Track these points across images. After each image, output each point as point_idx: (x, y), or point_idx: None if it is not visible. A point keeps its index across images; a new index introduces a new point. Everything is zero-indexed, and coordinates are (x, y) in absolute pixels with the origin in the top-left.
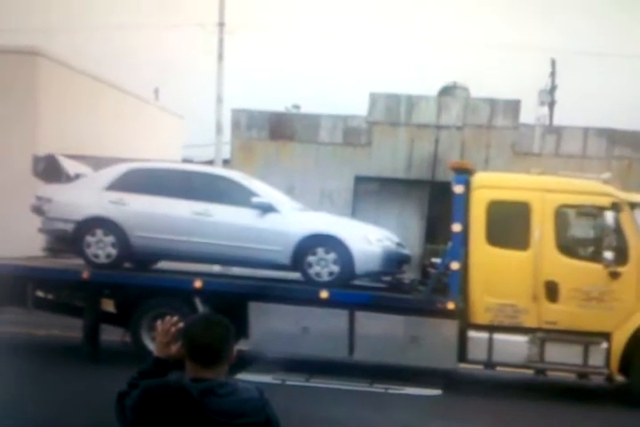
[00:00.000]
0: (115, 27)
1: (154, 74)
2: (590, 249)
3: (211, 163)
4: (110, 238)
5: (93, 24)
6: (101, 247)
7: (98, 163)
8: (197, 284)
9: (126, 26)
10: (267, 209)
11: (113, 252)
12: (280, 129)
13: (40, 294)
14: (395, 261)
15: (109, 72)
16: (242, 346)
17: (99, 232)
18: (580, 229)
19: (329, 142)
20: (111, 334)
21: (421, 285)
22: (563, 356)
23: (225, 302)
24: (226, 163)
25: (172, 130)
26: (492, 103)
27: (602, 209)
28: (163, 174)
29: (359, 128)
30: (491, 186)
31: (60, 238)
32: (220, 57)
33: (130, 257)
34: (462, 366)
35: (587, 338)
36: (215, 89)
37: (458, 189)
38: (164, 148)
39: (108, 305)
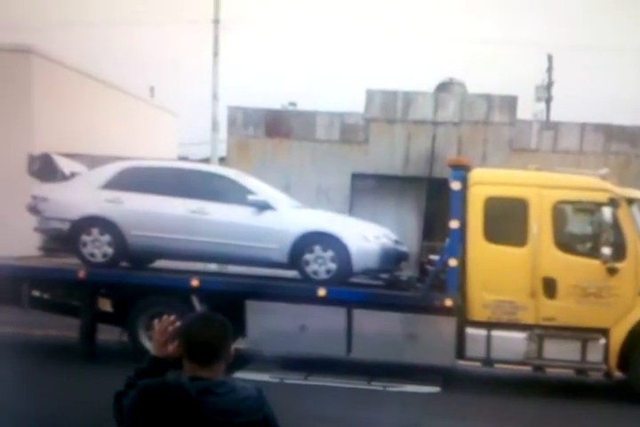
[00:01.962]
0: (109, 24)
1: (149, 72)
2: (588, 245)
3: (207, 161)
4: (106, 237)
5: (88, 21)
6: (97, 246)
7: (93, 161)
8: (194, 282)
9: (121, 23)
10: (263, 207)
11: (109, 251)
12: (276, 126)
13: (36, 293)
14: (392, 259)
15: (104, 70)
16: (239, 345)
17: (94, 231)
18: (578, 225)
19: (325, 139)
20: (108, 334)
21: (419, 282)
22: (561, 352)
23: (222, 300)
24: (222, 160)
25: (168, 128)
26: (489, 99)
27: (599, 205)
28: (158, 172)
29: (356, 125)
30: (488, 182)
31: (56, 238)
32: (216, 54)
33: (126, 256)
34: (460, 363)
35: (585, 334)
36: (211, 86)
37: (455, 185)
38: (160, 146)
39: (105, 304)
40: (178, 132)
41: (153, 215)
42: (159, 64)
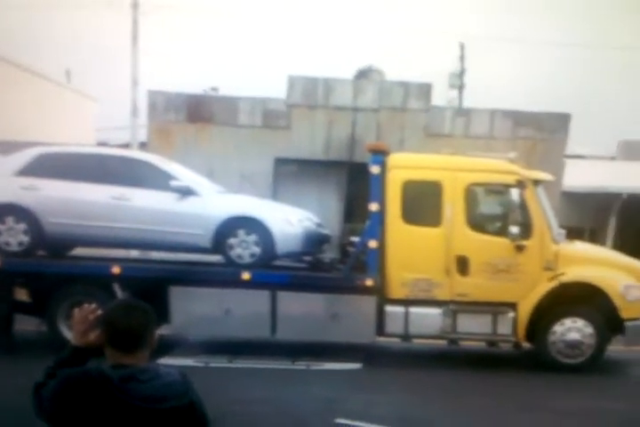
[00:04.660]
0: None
1: (68, 56)
2: (497, 224)
3: (127, 146)
4: (22, 226)
5: (4, 4)
6: (13, 235)
7: (7, 147)
8: (115, 270)
9: (38, 6)
10: (186, 192)
11: (25, 239)
12: (198, 111)
13: None
14: (315, 241)
15: (19, 54)
16: (164, 331)
17: (9, 219)
18: (488, 206)
19: (248, 125)
20: (26, 324)
21: (341, 263)
22: (473, 326)
23: (145, 287)
24: (142, 146)
25: (86, 112)
26: (406, 86)
27: (508, 187)
28: (77, 158)
29: (278, 111)
30: (405, 166)
31: None
32: (135, 38)
33: (43, 244)
34: (380, 339)
35: (495, 308)
36: (130, 71)
37: (374, 169)
38: (78, 131)
39: (22, 294)
40: (97, 117)
41: (71, 202)
42: (78, 48)
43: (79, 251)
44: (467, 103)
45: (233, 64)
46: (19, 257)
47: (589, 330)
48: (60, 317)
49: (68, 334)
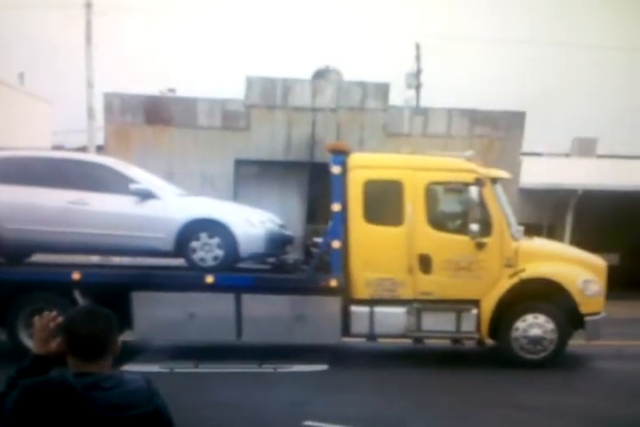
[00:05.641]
0: None
1: (18, 58)
2: (458, 222)
3: (83, 149)
4: None
5: None
6: None
7: None
8: (76, 276)
9: None
10: (146, 196)
11: None
12: (156, 113)
13: None
14: (278, 243)
15: None
16: (127, 337)
17: None
18: (448, 205)
19: (207, 126)
20: None
21: (305, 264)
22: (438, 324)
23: (106, 292)
24: (100, 149)
25: (41, 116)
26: (364, 86)
27: (467, 185)
28: (32, 163)
29: (237, 112)
30: (366, 166)
31: None
32: (89, 40)
33: (1, 251)
34: (346, 340)
35: (458, 306)
36: (85, 72)
37: (335, 169)
38: (33, 134)
39: None
40: (52, 120)
41: (28, 208)
42: (32, 50)
43: (38, 257)
44: (424, 103)
45: (190, 65)
46: None
47: (551, 326)
48: (20, 325)
49: (28, 342)
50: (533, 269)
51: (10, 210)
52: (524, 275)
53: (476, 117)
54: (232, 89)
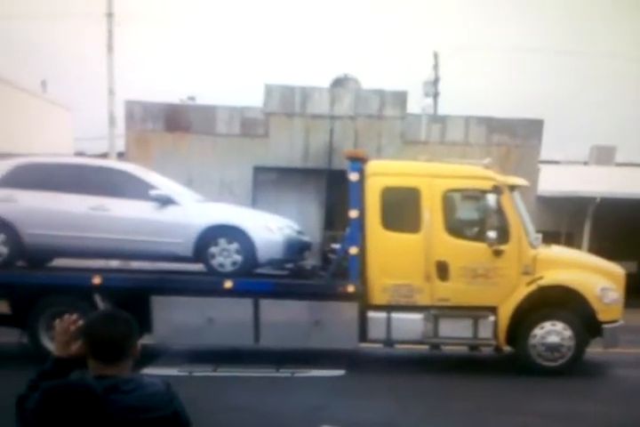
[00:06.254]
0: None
1: (42, 66)
2: (475, 230)
3: (104, 156)
4: (1, 237)
5: None
6: None
7: None
8: (96, 280)
9: (13, 16)
10: (165, 202)
11: (4, 250)
12: (176, 121)
13: None
14: (296, 249)
15: None
16: (147, 341)
17: None
18: (466, 212)
19: (226, 134)
20: (7, 336)
21: (322, 270)
22: (455, 330)
23: (126, 297)
24: (120, 156)
25: (63, 123)
26: (382, 94)
27: (484, 192)
28: (55, 169)
29: (256, 119)
30: (383, 173)
31: None
32: (110, 48)
33: (23, 255)
34: (363, 345)
35: (476, 313)
36: (107, 81)
37: (353, 176)
38: (55, 141)
39: (2, 306)
40: (74, 128)
41: (50, 213)
42: (54, 58)
43: (59, 262)
44: (441, 111)
45: (210, 73)
46: None
47: (568, 333)
48: (42, 328)
49: (49, 345)
50: (551, 277)
51: (31, 215)
52: (542, 282)
53: (493, 125)
54: (251, 97)
